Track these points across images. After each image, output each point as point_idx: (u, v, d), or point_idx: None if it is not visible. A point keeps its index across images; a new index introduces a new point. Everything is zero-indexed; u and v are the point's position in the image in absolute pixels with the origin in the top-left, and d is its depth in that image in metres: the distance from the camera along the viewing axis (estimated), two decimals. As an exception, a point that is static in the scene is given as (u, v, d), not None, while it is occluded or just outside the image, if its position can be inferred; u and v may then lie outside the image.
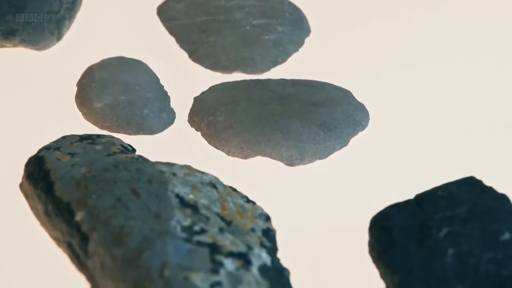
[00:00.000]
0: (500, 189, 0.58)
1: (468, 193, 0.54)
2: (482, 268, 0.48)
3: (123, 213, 0.50)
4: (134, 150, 0.61)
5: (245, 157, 0.66)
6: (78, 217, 0.51)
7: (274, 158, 0.65)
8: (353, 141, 0.68)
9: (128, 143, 0.62)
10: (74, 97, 0.70)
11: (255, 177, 0.64)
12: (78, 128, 0.67)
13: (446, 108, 0.73)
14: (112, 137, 0.61)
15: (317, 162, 0.66)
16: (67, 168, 0.55)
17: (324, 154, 0.66)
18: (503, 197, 0.53)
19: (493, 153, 0.67)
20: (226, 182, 0.61)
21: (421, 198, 0.55)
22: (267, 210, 0.58)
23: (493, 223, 0.50)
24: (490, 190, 0.54)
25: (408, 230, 0.52)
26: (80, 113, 0.69)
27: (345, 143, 0.67)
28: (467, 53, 0.79)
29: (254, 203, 0.57)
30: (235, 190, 0.57)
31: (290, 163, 0.65)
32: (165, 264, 0.46)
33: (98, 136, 0.61)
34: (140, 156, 0.58)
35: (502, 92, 0.75)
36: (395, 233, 0.52)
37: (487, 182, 0.58)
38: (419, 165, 0.66)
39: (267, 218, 0.56)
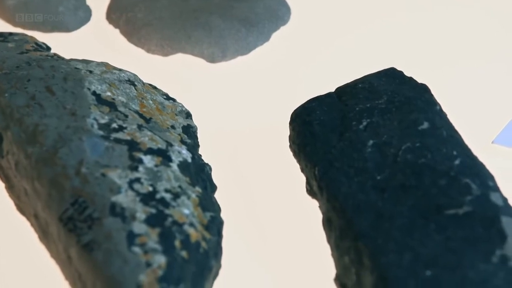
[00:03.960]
0: (421, 79, 0.58)
1: (388, 84, 0.53)
2: (400, 157, 0.48)
3: (37, 111, 0.48)
4: (49, 48, 0.59)
5: (165, 55, 0.64)
6: (-10, 116, 0.49)
7: (196, 55, 0.64)
8: (275, 36, 0.67)
9: (43, 41, 0.60)
10: (-15, -6, 0.68)
11: (176, 74, 0.63)
12: (-10, 26, 0.65)
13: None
14: (25, 35, 0.59)
15: (239, 58, 0.65)
16: (-23, 66, 0.53)
17: (246, 50, 0.65)
18: (423, 86, 0.53)
19: (415, 44, 0.67)
20: (146, 79, 0.60)
21: (342, 90, 0.54)
22: (188, 107, 0.57)
23: (412, 113, 0.50)
24: (410, 80, 0.54)
25: (328, 123, 0.52)
26: (-8, 11, 0.67)
27: (266, 38, 0.66)
28: None
29: (174, 100, 0.56)
30: (154, 87, 0.56)
31: (211, 60, 0.64)
32: (81, 161, 0.45)
33: (10, 33, 0.58)
34: (55, 54, 0.56)
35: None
36: (316, 126, 0.52)
37: (408, 73, 0.58)
38: (340, 58, 0.65)
39: (188, 115, 0.55)
